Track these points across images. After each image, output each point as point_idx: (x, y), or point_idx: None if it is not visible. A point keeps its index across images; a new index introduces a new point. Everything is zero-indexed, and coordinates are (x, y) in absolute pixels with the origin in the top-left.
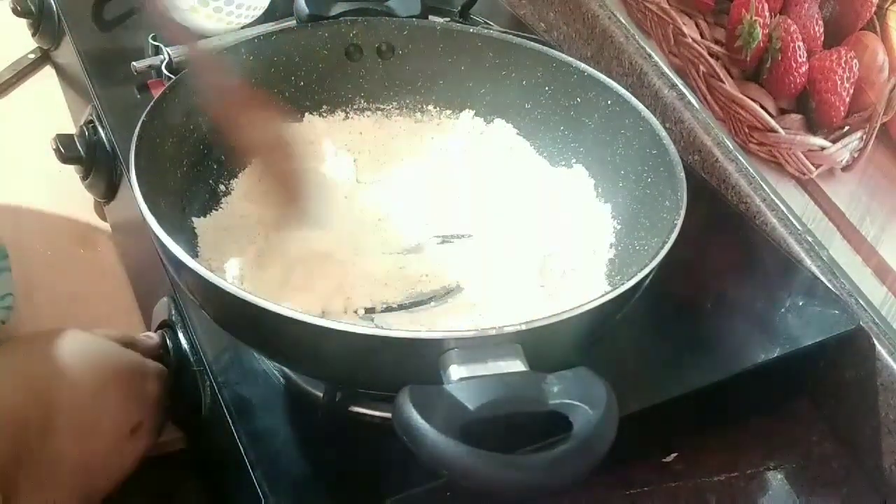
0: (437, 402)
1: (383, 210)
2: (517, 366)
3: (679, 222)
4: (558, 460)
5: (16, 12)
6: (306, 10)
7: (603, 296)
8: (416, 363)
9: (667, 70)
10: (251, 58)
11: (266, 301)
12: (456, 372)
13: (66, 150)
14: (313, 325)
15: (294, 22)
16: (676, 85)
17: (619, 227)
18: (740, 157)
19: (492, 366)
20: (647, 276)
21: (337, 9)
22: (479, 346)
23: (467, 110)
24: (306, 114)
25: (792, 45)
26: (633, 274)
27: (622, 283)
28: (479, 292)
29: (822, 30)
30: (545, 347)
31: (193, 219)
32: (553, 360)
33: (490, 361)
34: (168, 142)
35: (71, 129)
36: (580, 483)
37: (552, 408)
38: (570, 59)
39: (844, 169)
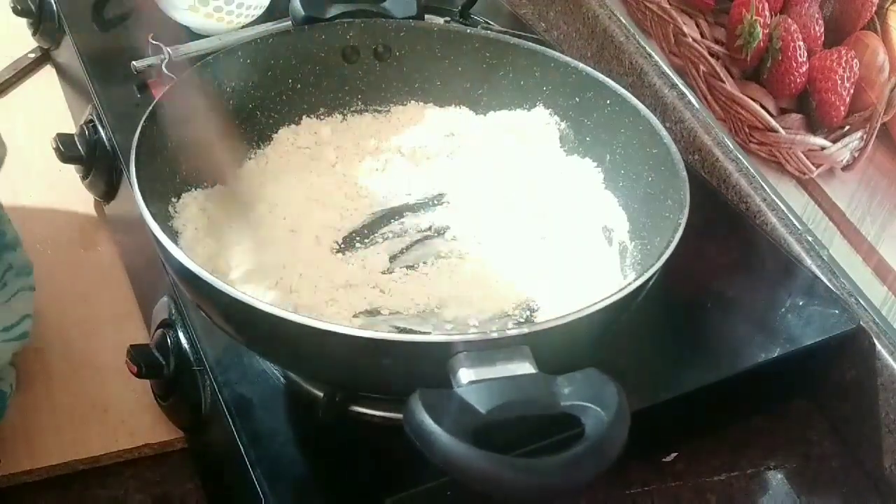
0: (448, 406)
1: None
2: (526, 367)
3: (683, 221)
4: (573, 462)
5: (16, 12)
6: (302, 13)
7: (609, 297)
8: (424, 367)
9: (667, 70)
10: (248, 61)
11: (270, 305)
12: (465, 375)
13: (67, 149)
14: (318, 329)
15: (290, 24)
16: (677, 85)
17: (620, 226)
18: (740, 157)
19: (501, 368)
20: (653, 275)
21: (333, 11)
22: (488, 348)
23: (465, 110)
24: (304, 117)
25: (792, 44)
26: (638, 273)
27: (628, 284)
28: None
29: (822, 29)
30: (552, 349)
31: None
32: (560, 360)
33: (499, 364)
34: (167, 145)
35: (71, 128)
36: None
37: (563, 409)
38: (567, 58)
39: (845, 169)
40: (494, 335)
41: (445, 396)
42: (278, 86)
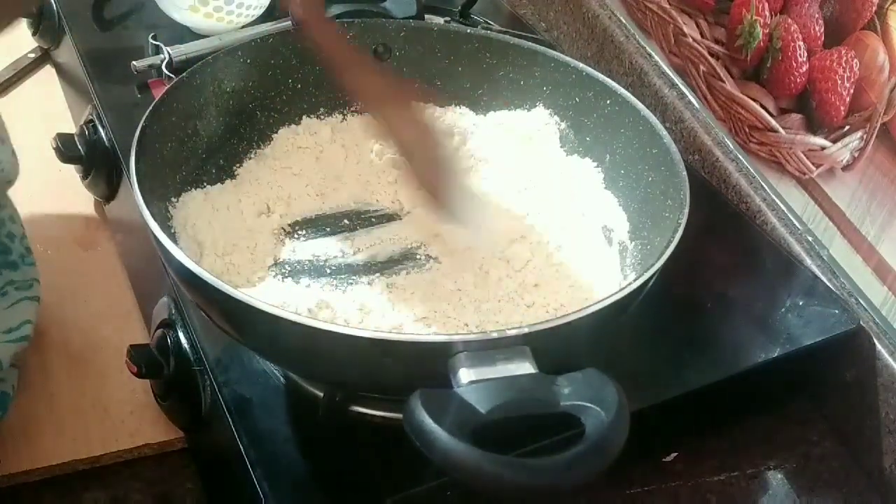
0: (448, 406)
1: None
2: (526, 368)
3: (683, 221)
4: (572, 462)
5: None
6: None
7: (609, 297)
8: (425, 367)
9: (667, 70)
10: (248, 61)
11: (271, 306)
12: (466, 375)
13: (67, 149)
14: (318, 328)
15: (290, 24)
16: (677, 85)
17: (620, 226)
18: (740, 157)
19: (501, 368)
20: (653, 275)
21: (333, 11)
22: (488, 348)
23: (465, 110)
24: (304, 117)
25: (792, 44)
26: (638, 273)
27: (628, 284)
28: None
29: (822, 29)
30: (552, 349)
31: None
32: (560, 360)
33: (499, 364)
34: (167, 146)
35: (71, 128)
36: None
37: (563, 409)
38: (567, 58)
39: (845, 168)
40: (494, 335)
41: (445, 396)
42: (278, 86)
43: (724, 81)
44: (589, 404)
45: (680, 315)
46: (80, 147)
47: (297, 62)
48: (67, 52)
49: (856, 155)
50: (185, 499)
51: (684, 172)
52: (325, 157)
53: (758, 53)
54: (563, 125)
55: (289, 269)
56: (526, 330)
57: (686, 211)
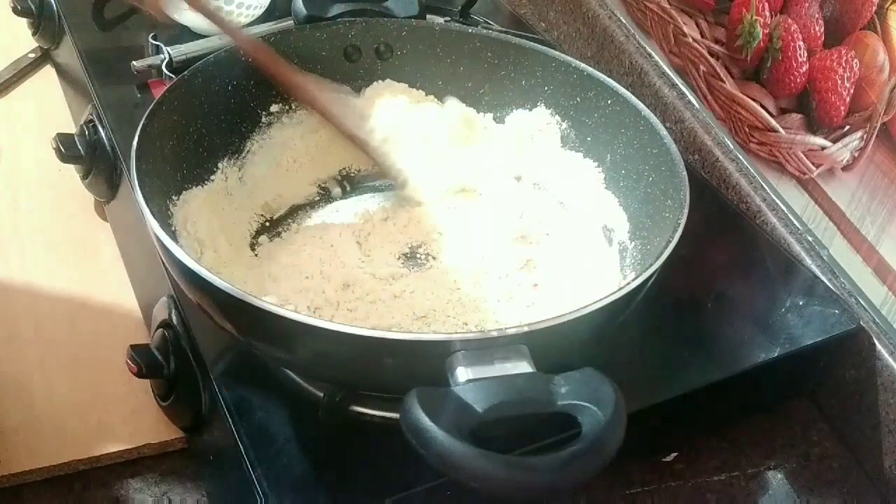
0: (445, 405)
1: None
2: (524, 367)
3: (683, 220)
4: (569, 461)
5: (16, 11)
6: (304, 12)
7: (608, 296)
8: (422, 365)
9: (667, 70)
10: (248, 60)
11: (271, 304)
12: (463, 374)
13: (67, 149)
14: (319, 327)
15: (292, 23)
16: (677, 84)
17: (620, 225)
18: (741, 157)
19: (499, 367)
20: (652, 275)
21: (334, 10)
22: (486, 347)
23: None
24: (304, 115)
25: (792, 44)
26: (637, 273)
27: (626, 283)
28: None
29: (822, 29)
30: (550, 348)
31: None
32: (558, 360)
33: (497, 363)
34: (168, 145)
35: (71, 128)
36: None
37: (560, 409)
38: (569, 58)
39: (845, 168)
40: (493, 334)
41: (442, 395)
42: (278, 85)
43: (724, 81)
44: (586, 403)
45: (680, 315)
46: (80, 147)
47: (298, 61)
48: (67, 52)
49: (856, 155)
50: (185, 499)
51: (684, 172)
52: (324, 155)
53: (758, 53)
54: (564, 125)
55: None
56: (525, 329)
57: (686, 211)
